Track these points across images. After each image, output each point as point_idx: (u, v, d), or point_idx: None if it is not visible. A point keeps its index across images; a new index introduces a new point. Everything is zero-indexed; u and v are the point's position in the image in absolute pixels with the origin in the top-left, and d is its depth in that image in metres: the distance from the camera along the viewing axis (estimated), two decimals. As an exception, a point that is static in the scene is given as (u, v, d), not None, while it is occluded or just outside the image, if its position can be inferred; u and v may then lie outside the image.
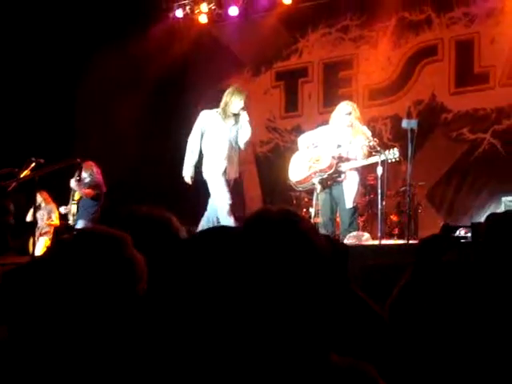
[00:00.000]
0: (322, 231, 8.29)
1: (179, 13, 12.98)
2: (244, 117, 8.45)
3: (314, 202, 8.69)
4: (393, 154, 8.14)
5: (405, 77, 11.67)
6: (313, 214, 8.71)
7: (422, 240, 2.70)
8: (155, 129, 12.78)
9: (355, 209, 8.48)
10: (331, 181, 8.45)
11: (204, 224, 8.38)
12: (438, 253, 2.56)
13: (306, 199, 9.95)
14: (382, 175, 8.13)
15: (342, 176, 8.42)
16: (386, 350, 1.96)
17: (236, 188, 8.67)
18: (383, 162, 8.14)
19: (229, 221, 8.14)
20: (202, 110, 8.77)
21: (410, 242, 8.00)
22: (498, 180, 10.27)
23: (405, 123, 8.29)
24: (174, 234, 2.48)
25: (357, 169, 8.46)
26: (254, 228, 1.80)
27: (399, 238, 9.33)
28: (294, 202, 10.46)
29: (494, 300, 2.04)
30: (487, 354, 2.28)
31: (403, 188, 9.17)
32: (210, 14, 12.92)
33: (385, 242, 8.30)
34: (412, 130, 8.13)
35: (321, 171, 8.50)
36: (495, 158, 10.66)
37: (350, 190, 8.39)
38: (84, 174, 9.63)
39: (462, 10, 11.27)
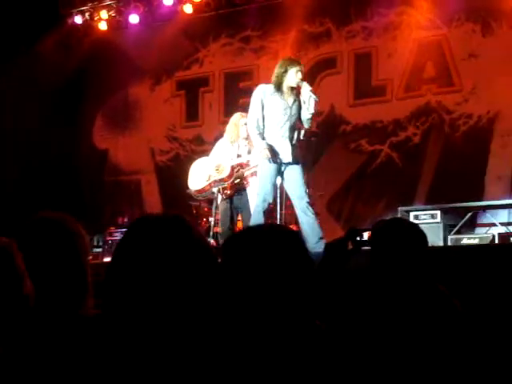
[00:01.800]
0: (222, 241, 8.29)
1: (78, 19, 12.77)
2: (305, 88, 7.40)
3: (213, 212, 8.67)
4: None
5: (304, 88, 11.76)
6: (212, 224, 8.69)
7: (327, 244, 2.71)
8: (54, 137, 12.53)
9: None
10: (233, 190, 8.42)
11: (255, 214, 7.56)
12: (343, 257, 2.57)
13: (205, 209, 9.91)
14: (280, 184, 8.18)
15: (245, 183, 8.41)
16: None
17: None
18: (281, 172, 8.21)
19: (257, 215, 7.45)
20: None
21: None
22: (395, 191, 10.49)
23: (303, 134, 8.36)
24: (69, 235, 2.44)
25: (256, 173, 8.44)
26: (136, 229, 1.80)
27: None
28: (194, 211, 10.40)
29: (382, 303, 2.06)
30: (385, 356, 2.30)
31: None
32: (110, 21, 12.78)
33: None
34: (311, 140, 8.22)
35: (220, 181, 8.50)
36: (392, 169, 10.87)
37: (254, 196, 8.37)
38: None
39: (360, 23, 11.47)
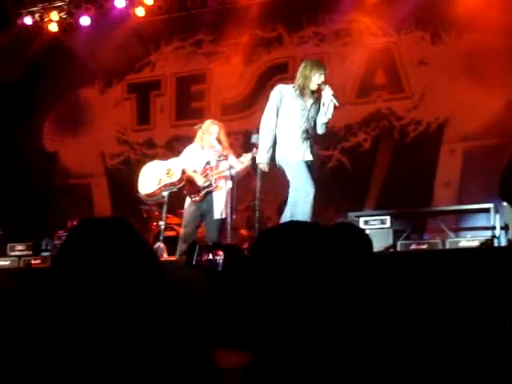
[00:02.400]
0: (182, 245, 8.25)
1: (28, 20, 12.62)
2: (327, 92, 7.18)
3: (163, 215, 8.65)
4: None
5: (256, 93, 11.79)
6: (163, 228, 8.66)
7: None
8: (2, 139, 12.38)
9: (223, 220, 8.36)
10: (203, 195, 8.36)
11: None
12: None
13: (156, 212, 9.86)
14: (231, 189, 8.19)
15: (215, 186, 8.37)
16: None
17: None
18: (233, 177, 8.23)
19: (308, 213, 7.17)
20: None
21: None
22: (345, 196, 10.54)
23: (254, 138, 8.35)
24: None
25: (226, 178, 8.42)
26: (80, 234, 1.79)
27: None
28: (145, 215, 10.35)
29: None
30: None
31: (253, 202, 9.24)
32: (60, 22, 12.65)
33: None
34: (261, 144, 8.22)
35: (171, 184, 8.47)
36: (343, 174, 10.94)
37: (219, 200, 8.35)
38: None
39: (312, 29, 11.54)
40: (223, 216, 8.29)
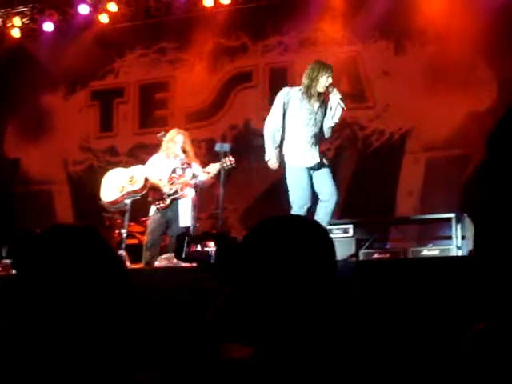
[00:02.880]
0: (146, 253, 8.23)
1: (-11, 25, 12.52)
2: (335, 96, 7.12)
3: (125, 223, 8.61)
4: (229, 160, 8.23)
5: (220, 101, 11.80)
6: (125, 236, 8.61)
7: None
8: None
9: (194, 228, 8.34)
10: (169, 202, 8.33)
11: None
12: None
13: (118, 220, 9.80)
14: (194, 198, 8.19)
15: (181, 193, 8.34)
16: None
17: None
18: (197, 186, 8.23)
19: None
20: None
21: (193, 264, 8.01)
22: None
23: (218, 147, 8.39)
24: None
25: (191, 186, 8.38)
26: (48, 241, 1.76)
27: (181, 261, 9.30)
28: (107, 223, 10.27)
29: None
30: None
31: (216, 211, 9.23)
32: (23, 28, 12.54)
33: (197, 264, 8.29)
34: (225, 153, 8.24)
35: (133, 192, 8.44)
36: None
37: (184, 208, 8.31)
38: None
39: (276, 38, 11.57)
40: (189, 224, 8.28)
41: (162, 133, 8.68)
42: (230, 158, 8.29)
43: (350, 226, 8.82)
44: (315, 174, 7.26)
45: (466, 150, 9.74)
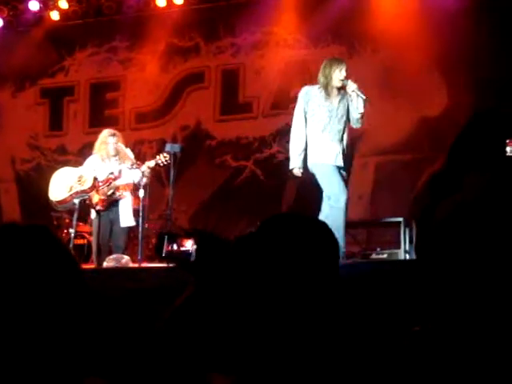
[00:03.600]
0: (94, 256, 8.18)
1: None
2: (351, 87, 7.01)
3: (74, 223, 8.52)
4: (163, 157, 8.19)
5: (171, 102, 11.76)
6: (73, 235, 8.53)
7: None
8: None
9: (131, 229, 8.33)
10: (105, 204, 8.26)
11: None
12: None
13: (67, 220, 9.70)
14: (143, 198, 8.13)
15: (118, 194, 8.27)
16: None
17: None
18: (145, 185, 8.18)
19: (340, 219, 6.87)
20: None
21: (171, 265, 8.00)
22: (259, 207, 10.54)
23: (168, 147, 8.36)
24: None
25: (129, 186, 8.33)
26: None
27: (160, 261, 9.28)
28: (55, 222, 10.17)
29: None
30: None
31: (166, 211, 9.19)
32: (-28, 24, 12.36)
33: (145, 265, 8.26)
34: (175, 154, 8.21)
35: (82, 192, 8.35)
36: (256, 185, 10.97)
37: (124, 208, 8.26)
38: None
39: (229, 40, 11.56)
40: (131, 224, 8.25)
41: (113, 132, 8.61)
42: (165, 154, 8.25)
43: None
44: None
45: (416, 154, 9.84)
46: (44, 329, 1.66)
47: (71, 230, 8.68)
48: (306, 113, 7.09)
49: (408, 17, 10.28)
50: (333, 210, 6.86)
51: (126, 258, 8.07)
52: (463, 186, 1.97)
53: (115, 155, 8.38)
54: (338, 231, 6.70)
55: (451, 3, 9.90)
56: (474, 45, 9.75)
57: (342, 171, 7.11)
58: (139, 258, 7.98)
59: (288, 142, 7.53)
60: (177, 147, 8.41)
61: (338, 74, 7.02)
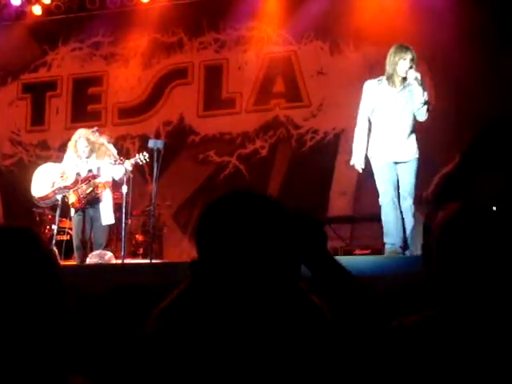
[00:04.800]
0: (76, 254, 8.16)
1: None
2: (412, 76, 6.65)
3: (56, 219, 8.49)
4: (143, 156, 8.19)
5: (154, 97, 11.73)
6: (55, 231, 8.50)
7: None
8: None
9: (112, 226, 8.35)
10: (84, 202, 8.24)
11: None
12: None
13: (49, 216, 9.65)
14: (126, 194, 8.11)
15: (98, 192, 8.25)
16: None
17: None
18: (128, 181, 8.16)
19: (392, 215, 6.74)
20: None
21: (154, 261, 8.02)
22: (242, 202, 10.54)
23: (151, 143, 8.33)
24: None
25: (109, 184, 8.31)
26: None
27: (144, 257, 9.30)
28: (38, 218, 10.11)
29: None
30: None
31: (149, 207, 9.16)
32: (-47, 18, 12.26)
33: (128, 261, 8.25)
34: (158, 150, 8.18)
35: (65, 188, 8.32)
36: (240, 180, 10.95)
37: (105, 206, 8.25)
38: None
39: (212, 35, 11.54)
40: (111, 221, 8.24)
41: (95, 128, 8.57)
42: (144, 153, 8.26)
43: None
44: (399, 169, 6.87)
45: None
46: (24, 329, 1.64)
47: (54, 227, 8.65)
48: (369, 106, 6.87)
49: (392, 13, 10.29)
50: (381, 207, 6.83)
51: (109, 255, 8.05)
52: (473, 190, 1.99)
53: (88, 156, 8.34)
54: (388, 227, 6.75)
55: (436, -1, 9.94)
56: (461, 41, 9.76)
57: (401, 165, 6.83)
58: (122, 254, 7.96)
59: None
60: (159, 143, 8.38)
61: (405, 64, 6.69)
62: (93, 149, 8.34)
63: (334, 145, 10.69)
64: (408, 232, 6.63)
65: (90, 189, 8.27)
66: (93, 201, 8.30)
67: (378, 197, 6.91)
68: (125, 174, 8.19)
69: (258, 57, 11.23)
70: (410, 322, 2.05)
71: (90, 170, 8.35)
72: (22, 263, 1.67)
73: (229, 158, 11.15)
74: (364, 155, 6.90)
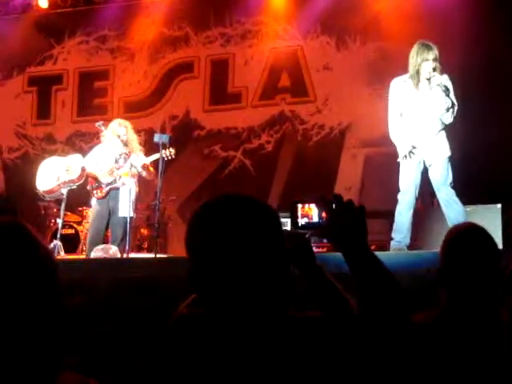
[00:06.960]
0: (88, 245, 8.14)
1: None
2: (435, 80, 6.61)
3: (61, 212, 8.50)
4: (169, 152, 8.19)
5: (160, 91, 11.73)
6: (60, 225, 8.49)
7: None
8: None
9: (132, 219, 8.20)
10: (107, 191, 8.22)
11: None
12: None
13: (54, 209, 9.66)
14: (134, 188, 8.12)
15: (120, 183, 8.22)
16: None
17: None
18: (139, 175, 8.19)
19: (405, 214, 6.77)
20: None
21: (158, 255, 8.01)
22: (247, 197, 10.53)
23: (157, 137, 8.32)
24: None
25: (133, 176, 8.26)
26: None
27: (148, 251, 9.30)
28: (43, 211, 10.13)
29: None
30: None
31: (154, 202, 9.15)
32: (-41, 11, 12.27)
33: (133, 255, 8.24)
34: (164, 144, 8.18)
35: (70, 181, 8.32)
36: (245, 175, 10.96)
37: (124, 198, 8.19)
38: None
39: (218, 29, 11.53)
40: (130, 214, 8.18)
41: (101, 122, 8.56)
42: (171, 149, 8.26)
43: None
44: (431, 164, 6.79)
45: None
46: (15, 325, 1.63)
47: (59, 220, 8.63)
48: (397, 107, 6.79)
49: (398, 8, 10.26)
50: (398, 204, 6.82)
51: (113, 249, 8.03)
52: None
53: (123, 145, 8.30)
54: (398, 224, 6.80)
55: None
56: (466, 38, 9.72)
57: (434, 159, 6.75)
58: (127, 248, 7.95)
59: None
60: (165, 137, 8.38)
61: (427, 64, 6.60)
62: (127, 141, 8.32)
63: (340, 140, 10.68)
64: (453, 220, 6.36)
65: (112, 179, 8.22)
66: (112, 191, 8.26)
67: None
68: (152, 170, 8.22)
69: (264, 51, 11.21)
70: (417, 319, 2.04)
71: (116, 161, 8.29)
72: (5, 256, 1.66)
73: (234, 153, 11.15)
74: (407, 145, 6.74)
